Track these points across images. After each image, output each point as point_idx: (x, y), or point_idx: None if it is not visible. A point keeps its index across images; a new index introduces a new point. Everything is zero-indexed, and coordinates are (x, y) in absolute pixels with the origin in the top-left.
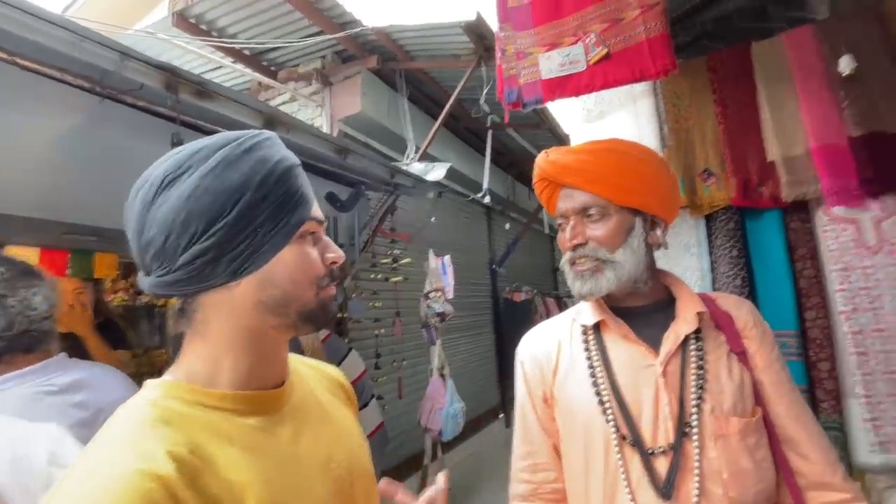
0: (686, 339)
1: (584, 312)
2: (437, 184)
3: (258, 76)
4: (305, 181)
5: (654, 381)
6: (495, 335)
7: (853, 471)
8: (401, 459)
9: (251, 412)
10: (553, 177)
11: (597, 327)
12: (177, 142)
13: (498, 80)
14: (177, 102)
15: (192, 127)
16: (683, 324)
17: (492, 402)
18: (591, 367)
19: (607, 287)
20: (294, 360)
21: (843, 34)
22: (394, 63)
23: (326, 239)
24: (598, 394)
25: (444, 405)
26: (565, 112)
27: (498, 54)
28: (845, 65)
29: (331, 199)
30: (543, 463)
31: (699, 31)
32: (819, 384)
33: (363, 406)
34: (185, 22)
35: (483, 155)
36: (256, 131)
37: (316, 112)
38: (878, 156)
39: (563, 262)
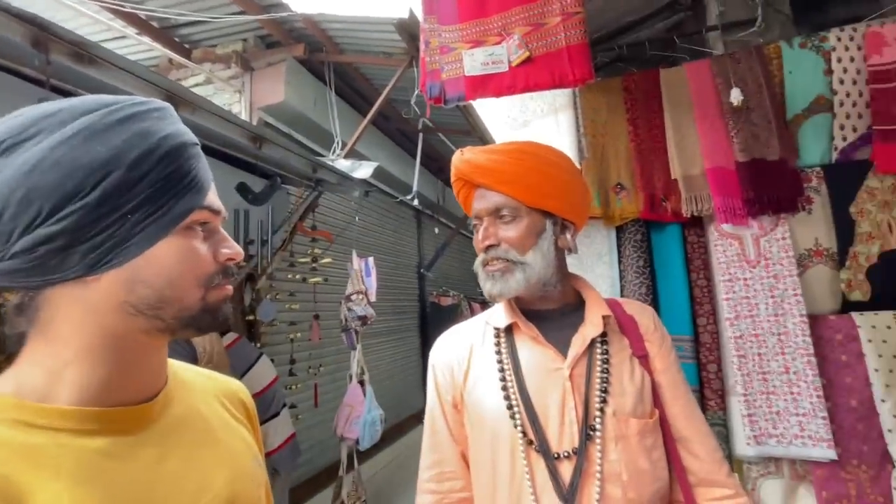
0: (592, 342)
1: (496, 315)
2: (364, 182)
3: (168, 53)
4: (202, 164)
5: (562, 385)
6: (421, 339)
7: (733, 461)
8: (316, 470)
9: (99, 432)
10: (467, 176)
11: (509, 330)
12: None
13: (421, 72)
14: (46, 63)
15: (67, 94)
16: (590, 327)
17: (415, 407)
18: (501, 370)
19: (516, 288)
20: (179, 368)
21: (733, 70)
22: (322, 54)
23: (223, 233)
24: (506, 398)
25: (361, 413)
26: (493, 119)
27: (422, 46)
28: (734, 97)
29: (242, 190)
30: (451, 472)
31: (617, 53)
32: (708, 384)
33: (273, 416)
34: None
35: (414, 157)
36: (142, 99)
37: (234, 98)
38: (759, 180)
39: (477, 264)
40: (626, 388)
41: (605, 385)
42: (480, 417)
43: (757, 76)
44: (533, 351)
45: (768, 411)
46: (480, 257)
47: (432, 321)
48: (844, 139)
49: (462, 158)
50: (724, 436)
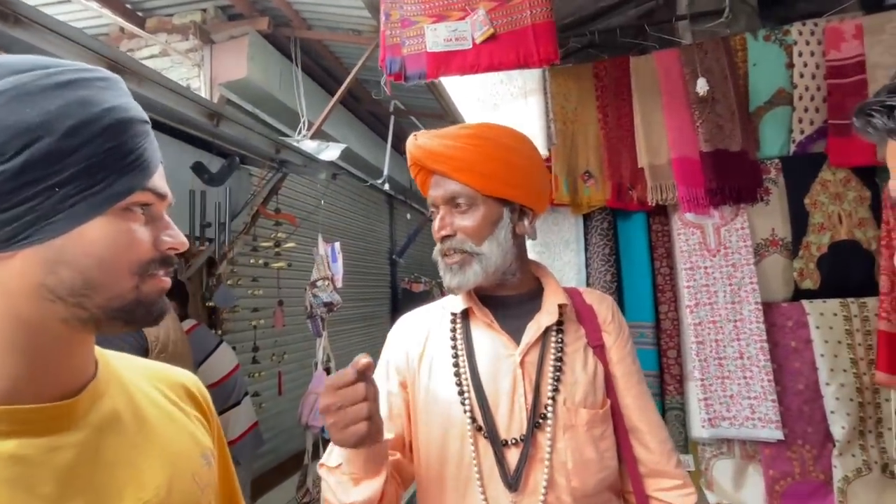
0: (547, 330)
1: (453, 300)
2: (331, 164)
3: (119, 21)
4: (150, 144)
5: (513, 372)
6: (392, 326)
7: (689, 443)
8: (280, 459)
9: (12, 433)
10: (422, 162)
11: (465, 316)
12: None
13: (381, 46)
14: None
15: None
16: (545, 315)
17: None
18: (454, 355)
19: (475, 280)
20: (112, 358)
21: (700, 60)
22: (288, 29)
23: (167, 219)
24: (458, 383)
25: None
26: (465, 101)
27: (382, 18)
28: (700, 87)
29: (198, 169)
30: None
31: (588, 39)
32: (667, 369)
33: (235, 404)
34: None
35: (385, 141)
36: (88, 66)
37: (192, 72)
38: (721, 171)
39: (435, 253)
40: (579, 377)
41: (557, 374)
42: (433, 402)
43: (723, 67)
44: (487, 337)
45: (723, 395)
46: (437, 247)
47: (404, 308)
48: (802, 132)
49: (415, 144)
50: (681, 419)
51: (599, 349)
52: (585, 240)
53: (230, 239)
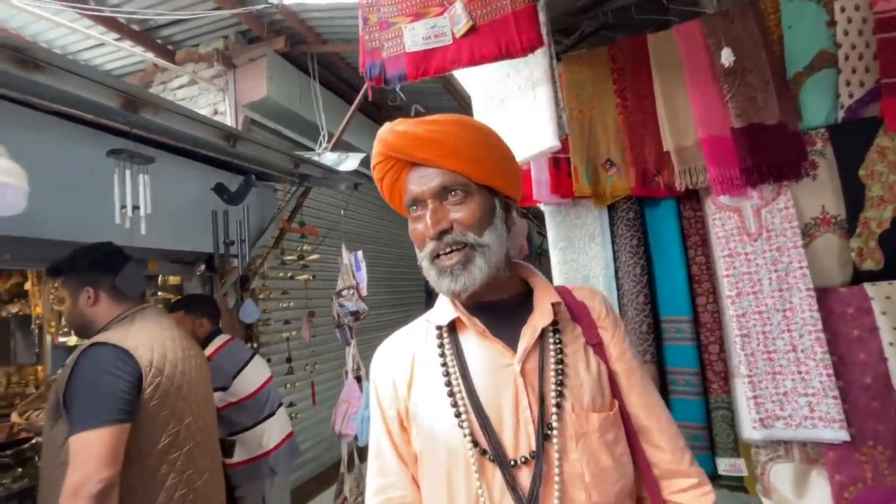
0: (544, 332)
1: (437, 312)
2: (353, 174)
3: (151, 57)
4: None
5: (514, 382)
6: None
7: (740, 445)
8: (321, 468)
9: None
10: (401, 151)
11: (452, 328)
12: None
13: (360, 52)
14: None
15: (20, 103)
16: (540, 317)
17: None
18: (446, 374)
19: (481, 277)
20: None
21: (725, 29)
22: (304, 46)
23: None
24: (454, 404)
25: (358, 408)
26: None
27: (360, 24)
28: (725, 57)
29: (219, 190)
30: (400, 496)
31: (602, 21)
32: (710, 366)
33: (270, 415)
34: None
35: None
36: None
37: (218, 97)
38: (757, 146)
39: (423, 257)
40: (584, 379)
41: (560, 378)
42: (430, 431)
43: (753, 34)
44: (480, 348)
45: (775, 392)
46: (429, 247)
47: None
48: (851, 96)
49: (394, 130)
50: (729, 420)
51: (598, 346)
52: (611, 232)
53: (255, 255)
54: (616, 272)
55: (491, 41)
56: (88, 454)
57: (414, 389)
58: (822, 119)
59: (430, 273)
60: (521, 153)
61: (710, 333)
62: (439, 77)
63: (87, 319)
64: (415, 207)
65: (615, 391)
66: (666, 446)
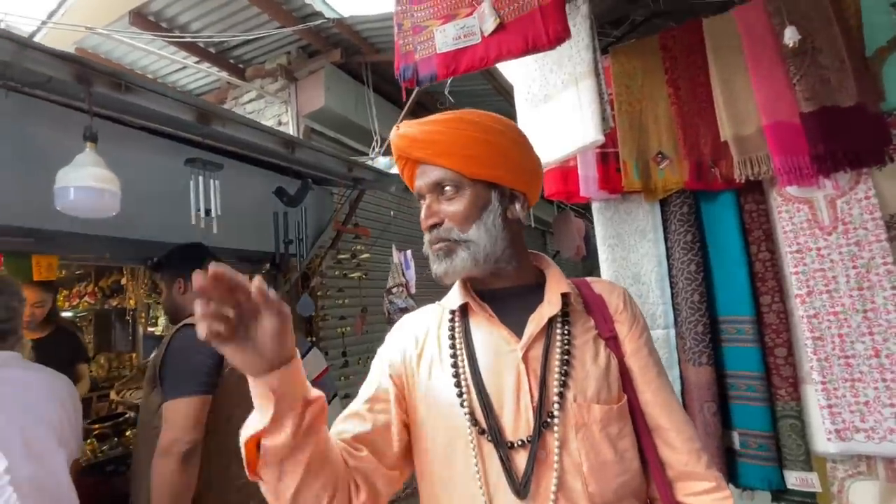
0: (552, 322)
1: (450, 297)
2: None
3: (225, 76)
4: None
5: (516, 367)
6: None
7: (812, 458)
8: None
9: None
10: (404, 151)
11: (464, 312)
12: (89, 136)
13: (395, 56)
14: (89, 94)
15: (114, 120)
16: (548, 306)
17: None
18: (453, 355)
19: (462, 267)
20: None
21: (792, 6)
22: (359, 56)
23: None
24: (457, 384)
25: None
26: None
27: (395, 30)
28: (789, 37)
29: (279, 193)
30: (358, 424)
31: (652, 9)
32: (776, 370)
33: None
34: (143, 20)
35: None
36: None
37: (282, 109)
38: (831, 132)
39: (425, 246)
40: (590, 371)
41: (565, 368)
42: (435, 406)
43: (824, 8)
44: (487, 332)
45: (854, 402)
46: (426, 237)
47: None
48: None
49: (397, 133)
50: (798, 429)
51: (612, 341)
52: (664, 228)
53: (313, 254)
54: (669, 270)
55: (518, 36)
56: (178, 418)
57: (422, 364)
58: None
59: (429, 258)
60: (564, 149)
61: (776, 335)
62: (488, 78)
63: (178, 306)
64: (420, 200)
65: (627, 387)
66: (681, 447)
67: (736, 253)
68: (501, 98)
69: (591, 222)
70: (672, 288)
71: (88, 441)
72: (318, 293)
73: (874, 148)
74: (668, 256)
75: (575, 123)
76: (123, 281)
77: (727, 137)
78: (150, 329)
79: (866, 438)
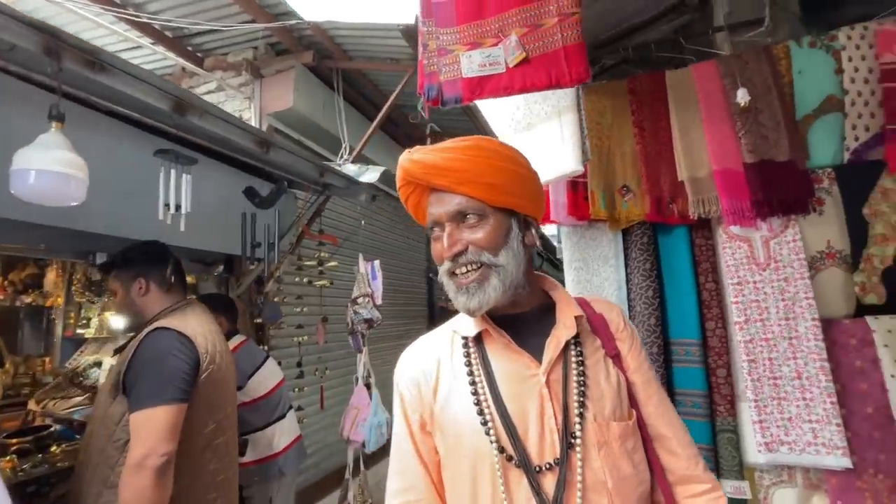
0: (566, 344)
1: (463, 323)
2: (371, 186)
3: (182, 61)
4: None
5: (539, 392)
6: None
7: (744, 468)
8: (323, 474)
9: None
10: (420, 178)
11: (478, 339)
12: (55, 115)
13: (419, 74)
14: (58, 70)
15: (82, 102)
16: (563, 329)
17: None
18: (472, 382)
19: (495, 297)
20: None
21: (740, 70)
22: (330, 61)
23: None
24: (480, 412)
25: (367, 415)
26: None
27: (420, 49)
28: (741, 97)
29: (249, 194)
30: (417, 500)
31: (622, 55)
32: (717, 389)
33: (280, 417)
34: None
35: None
36: None
37: (244, 104)
38: (768, 182)
39: (442, 274)
40: (604, 390)
41: (582, 389)
42: (455, 435)
43: (765, 76)
44: (506, 359)
45: (780, 417)
46: (446, 266)
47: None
48: (857, 139)
49: (411, 159)
50: (734, 442)
51: (616, 358)
52: (625, 255)
53: (278, 259)
54: (628, 294)
55: (542, 72)
56: (152, 429)
57: (439, 395)
58: (829, 159)
59: (449, 289)
60: (544, 176)
61: (717, 357)
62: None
63: (138, 308)
64: (435, 229)
65: (632, 401)
66: (682, 453)
67: (687, 282)
68: (467, 118)
69: (551, 245)
70: (630, 311)
71: (7, 458)
72: (275, 299)
73: (801, 198)
74: (628, 281)
75: (556, 153)
76: (51, 276)
77: (684, 178)
78: (79, 331)
79: (789, 450)
